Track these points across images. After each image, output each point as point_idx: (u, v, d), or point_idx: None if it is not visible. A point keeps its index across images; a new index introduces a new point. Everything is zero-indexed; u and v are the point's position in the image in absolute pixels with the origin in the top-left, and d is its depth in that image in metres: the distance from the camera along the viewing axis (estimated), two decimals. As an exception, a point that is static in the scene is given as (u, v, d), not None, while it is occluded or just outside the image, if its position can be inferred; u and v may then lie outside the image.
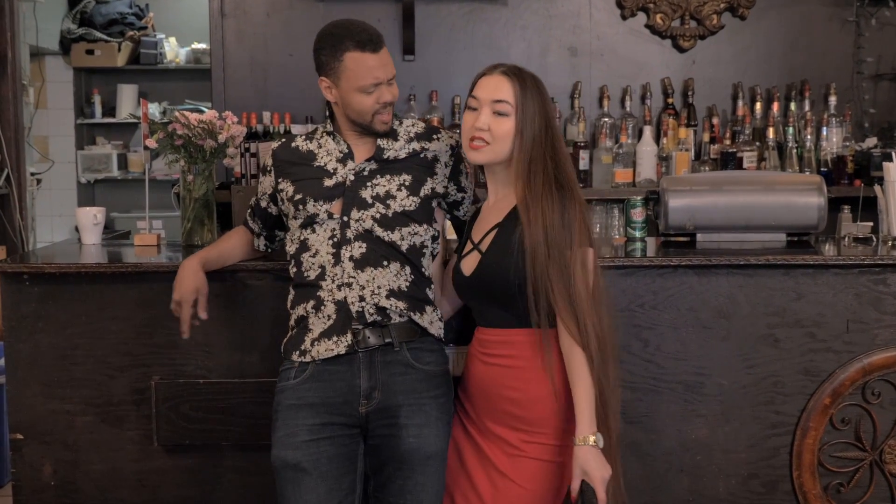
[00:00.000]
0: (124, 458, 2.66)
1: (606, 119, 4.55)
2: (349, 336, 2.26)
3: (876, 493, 2.69)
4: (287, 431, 2.27)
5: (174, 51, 6.52)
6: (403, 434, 2.27)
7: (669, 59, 4.66)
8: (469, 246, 2.32)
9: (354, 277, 2.28)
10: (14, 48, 4.81)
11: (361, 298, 2.28)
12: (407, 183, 2.35)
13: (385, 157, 2.37)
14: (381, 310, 2.27)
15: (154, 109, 6.45)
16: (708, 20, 4.61)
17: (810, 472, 2.67)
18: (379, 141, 2.37)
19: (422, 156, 2.39)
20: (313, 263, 2.32)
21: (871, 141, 4.55)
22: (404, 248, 2.33)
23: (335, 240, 2.31)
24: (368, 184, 2.34)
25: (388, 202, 2.33)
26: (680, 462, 2.68)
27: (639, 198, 2.94)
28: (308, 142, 2.42)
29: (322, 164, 2.37)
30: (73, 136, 6.47)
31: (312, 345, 2.28)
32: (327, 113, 2.45)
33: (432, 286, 2.40)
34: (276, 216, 2.50)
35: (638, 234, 2.95)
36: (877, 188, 2.91)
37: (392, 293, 2.29)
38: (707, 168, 4.45)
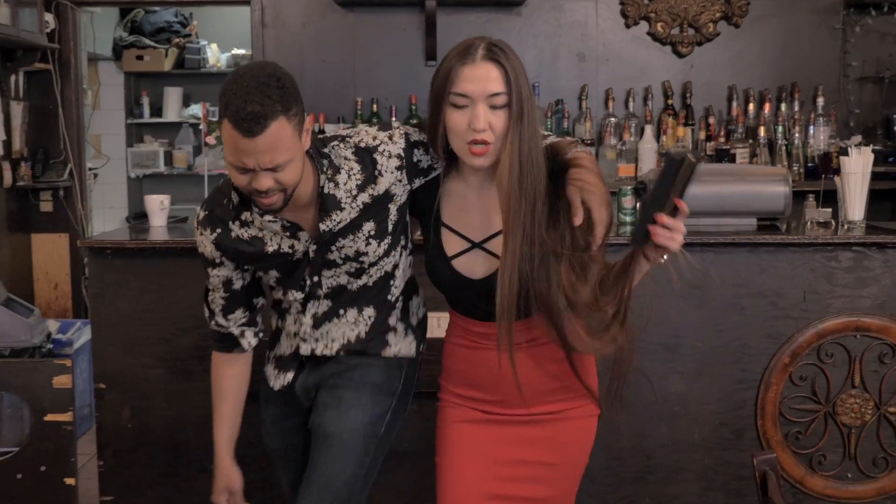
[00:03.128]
0: (189, 405, 3.12)
1: (611, 119, 4.95)
2: (292, 373, 2.25)
3: (829, 440, 3.11)
4: (262, 419, 2.35)
5: (216, 56, 6.91)
6: (312, 413, 2.23)
7: (669, 64, 5.03)
8: (462, 243, 2.08)
9: (309, 334, 2.21)
10: (76, 56, 5.28)
11: (312, 352, 2.22)
12: (373, 231, 2.11)
13: (333, 231, 2.09)
14: (330, 358, 2.22)
15: (197, 110, 6.93)
16: (705, 28, 4.99)
17: (772, 421, 3.10)
18: (321, 224, 2.07)
19: (374, 199, 2.10)
20: (280, 295, 2.24)
21: (856, 139, 4.90)
22: (372, 282, 2.18)
23: (305, 293, 2.17)
24: (333, 247, 2.11)
25: (360, 259, 2.13)
26: (660, 412, 3.11)
27: (629, 187, 3.38)
28: (244, 227, 2.11)
29: (275, 247, 2.11)
30: (124, 135, 6.86)
31: (271, 361, 2.31)
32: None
33: (398, 306, 2.24)
34: (252, 281, 2.26)
35: (628, 218, 3.37)
36: (836, 179, 3.34)
37: (344, 347, 2.21)
38: (703, 163, 4.88)
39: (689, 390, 3.11)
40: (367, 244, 2.11)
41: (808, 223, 3.29)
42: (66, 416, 2.03)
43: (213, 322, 2.27)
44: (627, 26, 5.02)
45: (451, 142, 2.01)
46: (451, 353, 2.20)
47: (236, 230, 2.11)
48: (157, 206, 3.46)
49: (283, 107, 1.86)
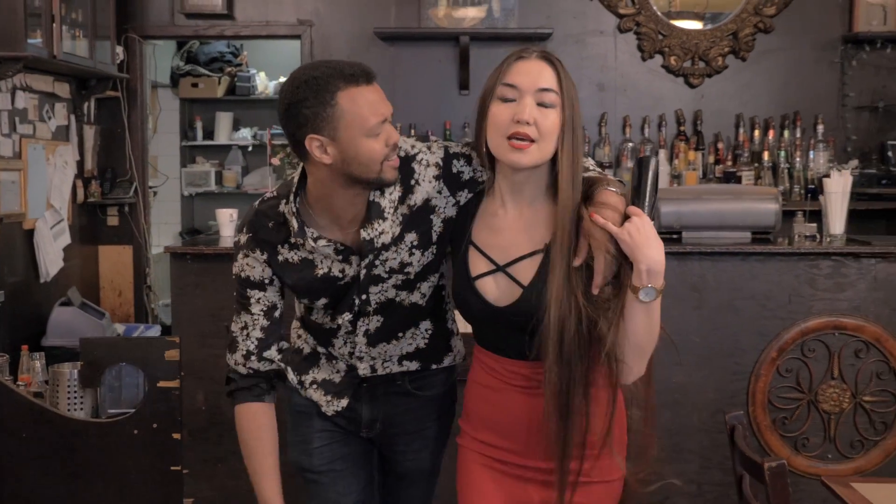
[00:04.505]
0: (256, 390, 3.61)
1: (628, 143, 5.38)
2: (347, 399, 2.20)
3: (812, 425, 3.55)
4: (300, 437, 2.24)
5: (264, 83, 7.36)
6: (401, 459, 2.24)
7: (681, 94, 5.46)
8: (487, 264, 1.97)
9: (366, 352, 2.15)
10: (142, 84, 5.82)
11: (373, 369, 2.17)
12: (416, 242, 2.05)
13: (377, 245, 2.03)
14: (391, 377, 2.19)
15: (246, 134, 7.45)
16: (714, 61, 5.43)
17: (762, 408, 3.54)
18: (363, 232, 2.01)
19: (415, 211, 2.04)
20: (327, 319, 2.15)
21: (853, 163, 5.33)
22: (425, 301, 2.14)
23: (354, 311, 2.10)
24: (377, 262, 2.04)
25: (406, 270, 2.06)
26: (664, 400, 3.55)
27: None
28: (294, 250, 2.06)
29: (325, 270, 2.06)
30: (178, 156, 7.33)
31: (311, 386, 2.22)
32: (294, 207, 2.02)
33: (450, 312, 2.24)
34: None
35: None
36: (821, 198, 3.79)
37: (404, 357, 2.18)
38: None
39: (690, 380, 3.55)
40: (411, 254, 2.04)
41: (797, 236, 3.74)
42: (174, 383, 2.50)
43: (245, 367, 2.13)
44: (643, 59, 5.47)
45: (490, 140, 1.91)
46: (474, 394, 2.07)
47: (285, 253, 2.05)
48: (227, 218, 3.97)
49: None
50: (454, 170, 2.05)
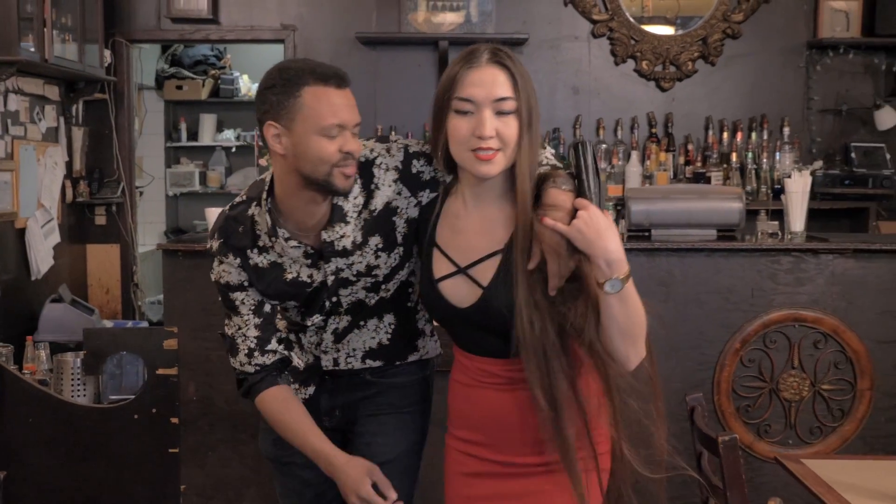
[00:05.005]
0: (245, 381, 3.78)
1: (602, 145, 5.56)
2: (313, 387, 2.22)
3: (773, 412, 3.74)
4: (266, 426, 2.25)
5: (247, 86, 7.49)
6: (356, 442, 2.20)
7: (653, 97, 5.65)
8: (449, 266, 1.97)
9: (331, 346, 2.19)
10: (128, 87, 5.96)
11: (335, 362, 2.19)
12: (381, 245, 2.07)
13: (338, 248, 2.06)
14: (354, 371, 2.20)
15: (230, 135, 7.59)
16: (684, 66, 5.62)
17: (727, 396, 3.73)
18: (323, 233, 2.04)
19: (376, 215, 2.06)
20: (298, 318, 2.20)
21: (818, 164, 5.53)
22: (389, 296, 2.15)
23: (326, 311, 2.15)
24: (344, 266, 2.08)
25: (374, 273, 2.09)
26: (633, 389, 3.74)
27: (609, 203, 4.04)
28: (263, 254, 2.08)
29: (294, 274, 2.09)
30: (163, 157, 7.46)
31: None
32: (267, 205, 2.05)
33: (421, 312, 2.24)
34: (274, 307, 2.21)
35: (609, 229, 4.02)
36: (782, 197, 3.99)
37: (367, 354, 2.18)
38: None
39: (658, 370, 3.73)
40: (377, 257, 2.06)
41: (759, 233, 3.94)
42: (172, 371, 2.65)
43: (251, 365, 2.16)
44: (616, 64, 5.66)
45: (453, 151, 1.90)
46: (452, 391, 2.08)
47: (255, 258, 2.08)
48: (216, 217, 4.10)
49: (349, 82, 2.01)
50: (414, 170, 2.06)
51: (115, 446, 2.73)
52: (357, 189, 2.05)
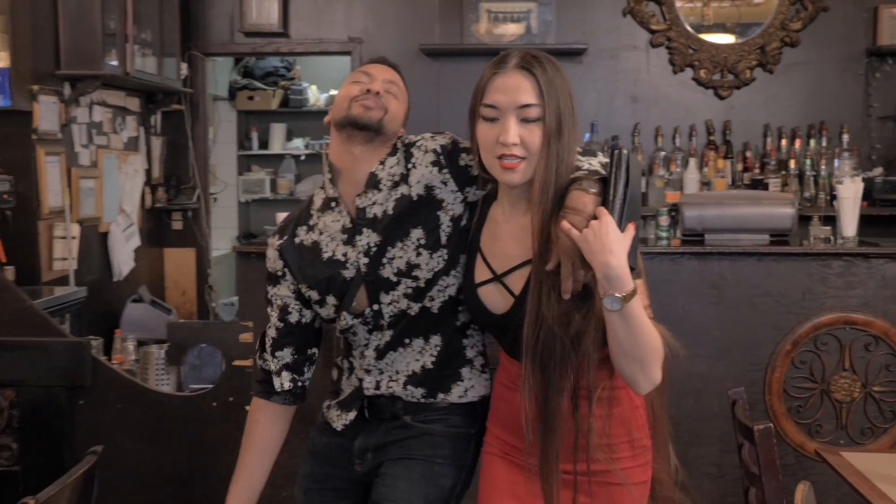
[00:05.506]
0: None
1: (660, 152, 5.70)
2: (355, 412, 2.15)
3: (824, 413, 3.82)
4: (301, 472, 2.26)
5: (315, 96, 7.75)
6: (378, 482, 2.10)
7: (711, 105, 5.77)
8: (487, 272, 1.97)
9: (374, 365, 2.11)
10: (203, 98, 6.25)
11: (377, 385, 2.11)
12: (423, 241, 2.03)
13: (369, 216, 2.06)
14: (394, 398, 2.11)
15: (299, 143, 7.84)
16: (742, 74, 5.73)
17: (778, 397, 3.83)
18: (357, 199, 2.06)
19: (415, 198, 2.05)
20: (350, 339, 2.16)
21: (877, 171, 5.61)
22: (435, 308, 2.06)
23: (369, 326, 2.09)
24: (384, 259, 2.04)
25: (413, 273, 2.04)
26: (686, 388, 3.84)
27: (664, 209, 4.16)
28: (310, 232, 2.12)
29: (330, 253, 2.08)
30: (235, 165, 7.76)
31: (333, 407, 2.23)
32: (328, 175, 2.14)
33: (471, 339, 2.13)
34: (310, 323, 2.19)
35: (664, 234, 4.15)
36: (834, 203, 4.07)
37: (410, 379, 2.09)
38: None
39: (710, 371, 3.85)
40: (418, 254, 2.02)
41: (812, 238, 4.03)
42: (247, 362, 2.85)
43: (258, 357, 2.23)
44: (675, 73, 5.79)
45: (482, 158, 1.90)
46: (496, 391, 2.09)
47: (302, 235, 2.11)
48: (287, 221, 4.32)
49: (401, 74, 2.21)
50: (462, 163, 2.05)
51: (195, 431, 2.94)
52: (394, 161, 2.08)
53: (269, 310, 2.22)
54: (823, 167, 5.55)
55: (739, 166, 5.69)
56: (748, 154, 5.70)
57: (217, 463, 2.90)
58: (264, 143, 7.91)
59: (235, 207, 7.76)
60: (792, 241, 4.03)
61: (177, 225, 6.21)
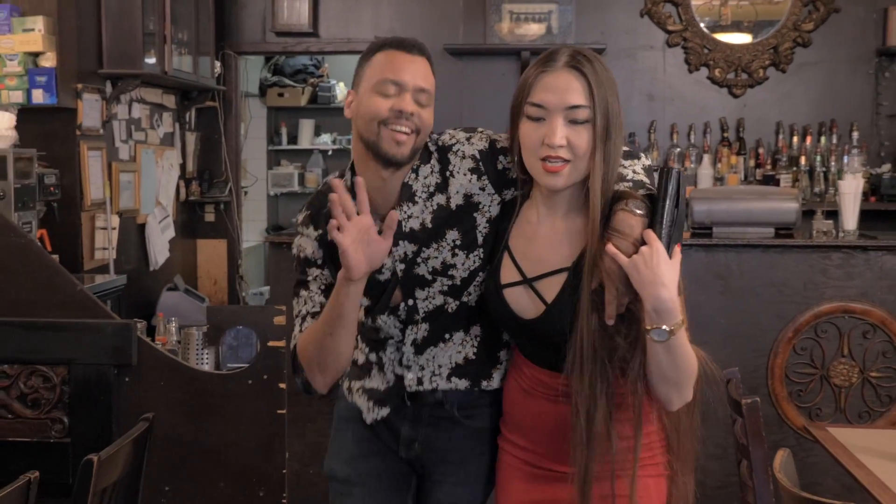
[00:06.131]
0: (340, 360, 4.22)
1: (675, 149, 5.87)
2: (388, 409, 2.08)
3: (824, 397, 4.02)
4: (339, 444, 2.18)
5: (343, 93, 7.89)
6: (436, 490, 2.08)
7: (725, 103, 5.94)
8: (515, 274, 1.90)
9: (413, 360, 2.03)
10: (236, 95, 6.49)
11: (419, 381, 2.03)
12: (458, 242, 1.96)
13: (405, 230, 1.96)
14: (438, 396, 2.05)
15: (326, 139, 8.08)
16: (756, 73, 5.90)
17: (780, 381, 4.03)
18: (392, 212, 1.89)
19: (453, 208, 1.97)
20: (380, 329, 2.05)
21: (886, 167, 5.78)
22: (473, 301, 1.99)
23: (402, 319, 2.02)
24: (418, 259, 1.97)
25: (449, 272, 1.97)
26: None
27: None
28: None
29: None
30: (265, 159, 7.97)
31: (357, 391, 2.14)
32: (347, 170, 2.04)
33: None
34: None
35: (673, 227, 4.34)
36: (836, 198, 4.26)
37: (454, 371, 2.02)
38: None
39: (716, 356, 3.94)
40: (454, 255, 1.96)
41: (815, 232, 4.22)
42: (280, 343, 3.07)
43: (301, 330, 2.07)
44: (690, 72, 5.97)
45: (524, 158, 1.83)
46: (509, 396, 2.02)
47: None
48: (316, 213, 4.56)
49: (430, 59, 1.96)
50: (500, 166, 1.97)
51: (232, 407, 3.17)
52: (428, 169, 1.98)
53: (304, 291, 2.05)
54: (833, 163, 5.72)
55: (752, 162, 5.87)
56: (761, 151, 5.88)
57: (251, 436, 3.15)
58: (293, 139, 8.11)
59: (265, 200, 7.98)
60: (796, 234, 4.22)
61: (209, 217, 6.45)
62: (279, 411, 3.17)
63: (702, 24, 5.92)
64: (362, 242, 1.78)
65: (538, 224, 1.90)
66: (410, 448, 2.09)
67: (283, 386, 3.18)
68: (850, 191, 4.12)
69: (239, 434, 3.17)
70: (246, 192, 7.17)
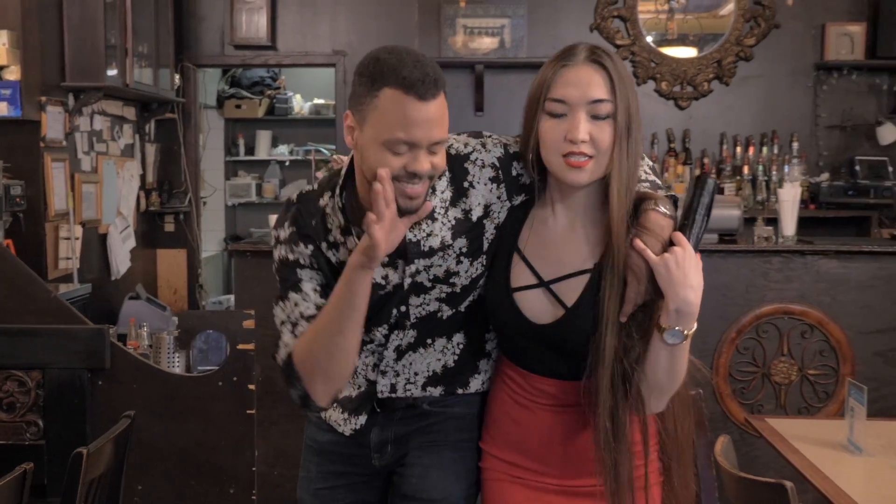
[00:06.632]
0: (303, 364, 4.35)
1: (624, 159, 6.11)
2: (365, 416, 1.98)
3: (765, 394, 4.23)
4: (305, 473, 2.10)
5: (300, 104, 8.07)
6: (408, 473, 1.98)
7: (671, 115, 6.16)
8: (529, 277, 1.81)
9: (391, 366, 1.94)
10: (195, 107, 6.59)
11: (393, 388, 1.94)
12: (465, 249, 1.85)
13: (424, 248, 1.83)
14: (411, 401, 1.96)
15: (283, 150, 8.19)
16: (700, 86, 6.13)
17: (724, 379, 4.23)
18: (408, 233, 1.80)
19: (474, 220, 1.85)
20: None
21: (824, 176, 6.05)
22: (464, 308, 1.91)
23: (391, 323, 1.90)
24: (420, 269, 1.85)
25: (451, 280, 1.86)
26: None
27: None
28: (332, 250, 1.85)
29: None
30: (223, 170, 8.06)
31: (333, 406, 2.01)
32: (341, 202, 1.84)
33: (491, 332, 1.96)
34: None
35: (623, 233, 4.53)
36: (776, 205, 4.48)
37: (430, 380, 1.94)
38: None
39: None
40: (459, 262, 1.85)
41: (756, 237, 4.44)
42: (250, 346, 3.20)
43: (294, 336, 1.90)
44: (638, 84, 6.13)
45: (543, 156, 1.75)
46: (498, 413, 1.92)
47: (326, 252, 1.86)
48: (278, 222, 4.68)
49: (444, 88, 1.71)
50: (514, 172, 1.87)
51: (203, 408, 3.30)
52: (444, 183, 1.84)
53: (291, 293, 1.90)
54: (775, 172, 5.97)
55: (697, 171, 6.09)
56: (706, 160, 6.11)
57: (222, 436, 3.28)
58: (251, 150, 8.22)
59: (223, 210, 8.07)
60: (739, 240, 4.43)
61: (169, 227, 6.53)
62: (248, 412, 3.31)
63: (649, 38, 6.15)
64: (389, 231, 1.67)
65: (553, 224, 1.83)
66: (383, 453, 2.00)
67: (252, 387, 3.32)
68: (789, 198, 4.34)
69: (210, 434, 3.30)
70: (205, 203, 7.26)
